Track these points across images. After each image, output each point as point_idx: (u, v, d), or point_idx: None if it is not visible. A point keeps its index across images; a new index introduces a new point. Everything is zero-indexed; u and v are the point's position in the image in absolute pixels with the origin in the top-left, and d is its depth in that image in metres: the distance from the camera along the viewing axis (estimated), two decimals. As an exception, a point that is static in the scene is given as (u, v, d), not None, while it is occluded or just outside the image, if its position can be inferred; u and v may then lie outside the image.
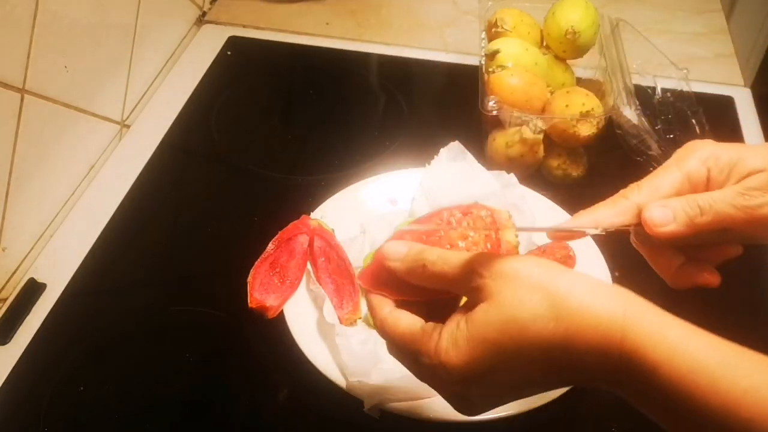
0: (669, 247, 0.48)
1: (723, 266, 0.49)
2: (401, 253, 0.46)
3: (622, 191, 0.49)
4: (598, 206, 0.49)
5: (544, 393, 0.59)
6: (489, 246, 0.47)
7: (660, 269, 0.49)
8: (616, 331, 0.38)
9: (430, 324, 0.44)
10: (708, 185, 0.47)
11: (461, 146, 0.81)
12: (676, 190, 0.47)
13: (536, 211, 0.76)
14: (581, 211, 0.48)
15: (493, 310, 0.41)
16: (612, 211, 0.47)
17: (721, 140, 0.51)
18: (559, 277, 0.41)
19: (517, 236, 0.48)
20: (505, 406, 0.59)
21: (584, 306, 0.39)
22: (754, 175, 0.46)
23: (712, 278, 0.48)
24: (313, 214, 0.75)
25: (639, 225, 0.46)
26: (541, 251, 0.70)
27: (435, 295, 0.46)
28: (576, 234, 0.49)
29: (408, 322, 0.45)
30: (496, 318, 0.40)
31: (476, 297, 0.42)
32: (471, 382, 0.42)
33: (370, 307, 0.48)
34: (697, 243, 0.47)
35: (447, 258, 0.44)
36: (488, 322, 0.41)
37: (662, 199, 0.47)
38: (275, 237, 0.73)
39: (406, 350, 0.45)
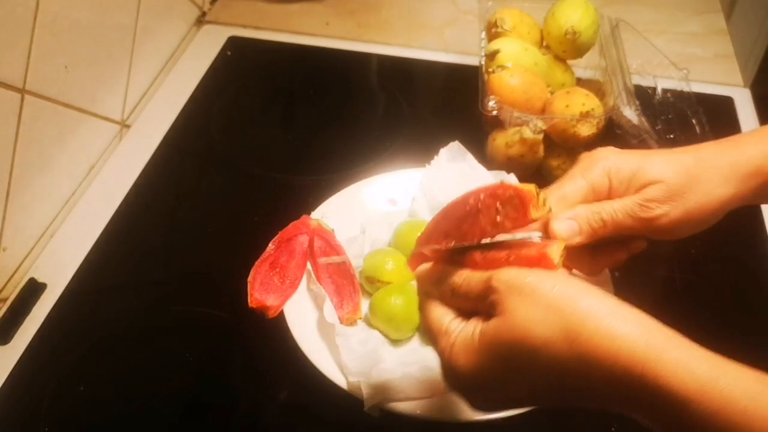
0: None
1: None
2: (433, 279, 0.48)
3: None
4: None
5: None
6: (517, 242, 0.46)
7: (573, 266, 0.52)
8: (636, 362, 0.37)
9: (456, 321, 0.45)
10: (609, 194, 0.51)
11: (461, 146, 0.81)
12: (581, 198, 0.50)
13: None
14: None
15: (505, 327, 0.41)
16: None
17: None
18: (579, 298, 0.40)
19: (549, 210, 0.44)
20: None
21: (601, 332, 0.38)
22: (651, 186, 0.49)
23: (623, 255, 0.52)
24: (313, 214, 0.75)
25: (547, 235, 0.49)
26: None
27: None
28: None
29: (439, 313, 0.46)
30: (507, 336, 0.40)
31: (492, 311, 0.42)
32: (474, 389, 0.44)
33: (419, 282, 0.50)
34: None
35: (470, 278, 0.45)
36: (499, 340, 0.41)
37: (569, 208, 0.50)
38: (275, 237, 0.73)
39: (431, 338, 0.47)
